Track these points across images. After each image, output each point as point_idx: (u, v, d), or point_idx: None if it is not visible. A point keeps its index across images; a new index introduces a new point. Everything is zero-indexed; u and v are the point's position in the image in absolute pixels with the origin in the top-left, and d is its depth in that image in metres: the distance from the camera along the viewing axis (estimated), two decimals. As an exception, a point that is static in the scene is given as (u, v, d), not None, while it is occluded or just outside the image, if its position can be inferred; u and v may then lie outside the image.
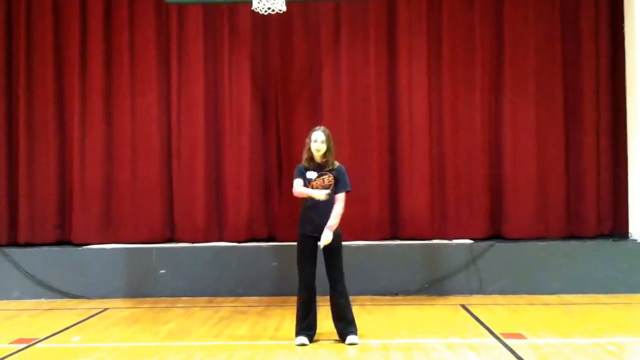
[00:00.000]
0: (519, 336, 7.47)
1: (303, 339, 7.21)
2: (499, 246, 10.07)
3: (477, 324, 8.16)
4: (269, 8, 8.76)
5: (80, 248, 10.36)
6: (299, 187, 7.26)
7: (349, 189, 7.34)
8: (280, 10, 8.80)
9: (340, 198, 7.26)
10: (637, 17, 10.08)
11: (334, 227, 7.18)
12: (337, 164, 7.35)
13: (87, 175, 10.58)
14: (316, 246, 7.23)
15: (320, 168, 7.29)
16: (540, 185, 10.44)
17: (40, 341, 7.60)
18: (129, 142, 10.64)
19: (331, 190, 7.21)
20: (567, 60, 10.56)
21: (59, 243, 10.64)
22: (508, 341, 7.24)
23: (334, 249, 7.22)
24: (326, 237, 7.13)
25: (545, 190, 10.45)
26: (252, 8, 8.79)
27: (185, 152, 10.60)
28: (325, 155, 7.29)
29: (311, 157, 7.31)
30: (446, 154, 10.53)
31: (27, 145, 10.65)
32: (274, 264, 10.07)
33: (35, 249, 10.38)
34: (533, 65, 10.47)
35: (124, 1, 10.70)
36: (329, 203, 7.19)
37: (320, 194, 7.12)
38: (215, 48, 10.69)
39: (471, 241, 10.21)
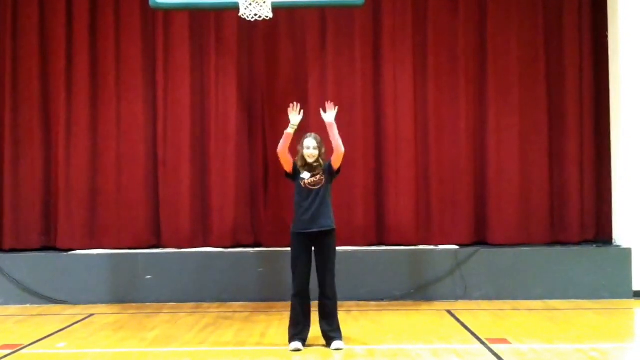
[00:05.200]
0: (503, 341, 7.51)
1: (297, 344, 7.21)
2: (484, 252, 10.13)
3: (463, 329, 8.21)
4: (255, 14, 8.78)
5: (65, 254, 10.32)
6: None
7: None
8: (267, 17, 8.82)
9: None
10: (621, 25, 10.16)
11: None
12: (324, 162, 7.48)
13: (73, 181, 10.54)
14: (309, 245, 7.29)
15: (312, 169, 7.38)
16: (524, 191, 10.49)
17: (25, 347, 7.57)
18: (115, 149, 10.60)
19: (324, 182, 7.33)
20: (550, 69, 10.62)
21: (44, 249, 10.59)
22: (493, 346, 7.27)
23: (327, 249, 7.28)
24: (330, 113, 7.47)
25: (529, 197, 10.50)
26: (240, 14, 8.81)
27: (171, 159, 10.58)
28: (317, 160, 7.39)
29: (304, 163, 7.41)
30: (431, 161, 10.57)
31: (12, 152, 10.60)
32: (260, 270, 10.08)
33: (20, 255, 10.33)
34: (517, 74, 10.53)
35: (110, 8, 10.67)
36: (319, 195, 7.28)
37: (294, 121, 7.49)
38: (202, 55, 10.68)
39: (456, 247, 10.26)
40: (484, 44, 10.64)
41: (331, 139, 7.42)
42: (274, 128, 10.44)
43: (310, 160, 7.37)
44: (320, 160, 7.41)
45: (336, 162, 7.41)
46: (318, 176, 7.34)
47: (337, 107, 7.56)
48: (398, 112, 10.55)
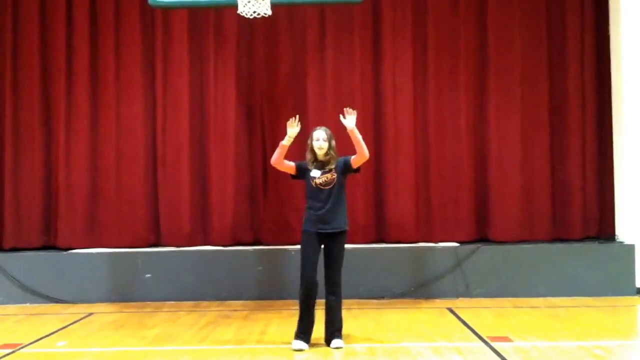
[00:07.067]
0: (505, 339, 7.47)
1: (299, 344, 7.12)
2: (485, 249, 10.09)
3: (464, 327, 8.17)
4: (254, 12, 8.73)
5: (65, 253, 10.31)
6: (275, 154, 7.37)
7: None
8: (266, 14, 8.77)
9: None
10: (623, 22, 10.13)
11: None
12: (337, 158, 7.34)
13: (73, 180, 10.53)
14: (319, 244, 7.20)
15: (323, 166, 7.27)
16: (526, 188, 10.46)
17: (25, 346, 7.54)
18: (115, 147, 10.59)
19: (335, 181, 7.21)
20: (552, 65, 10.58)
21: (44, 248, 10.57)
22: (495, 344, 7.23)
23: (337, 248, 7.20)
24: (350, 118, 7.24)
25: (531, 194, 10.47)
26: (238, 12, 8.76)
27: (171, 157, 10.57)
28: (327, 153, 7.27)
29: (314, 158, 7.30)
30: (431, 158, 10.53)
31: (12, 151, 10.59)
32: (259, 268, 10.06)
33: (20, 254, 10.32)
34: (518, 71, 10.49)
35: (109, 7, 10.65)
36: (330, 195, 7.18)
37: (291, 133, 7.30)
38: (201, 53, 10.65)
39: (457, 244, 10.22)
40: (484, 41, 10.60)
41: (355, 145, 7.26)
42: (273, 125, 10.41)
43: (320, 152, 7.24)
44: (332, 153, 7.26)
45: (357, 162, 7.31)
46: (329, 175, 7.22)
47: (355, 112, 7.37)
48: (398, 109, 10.52)
